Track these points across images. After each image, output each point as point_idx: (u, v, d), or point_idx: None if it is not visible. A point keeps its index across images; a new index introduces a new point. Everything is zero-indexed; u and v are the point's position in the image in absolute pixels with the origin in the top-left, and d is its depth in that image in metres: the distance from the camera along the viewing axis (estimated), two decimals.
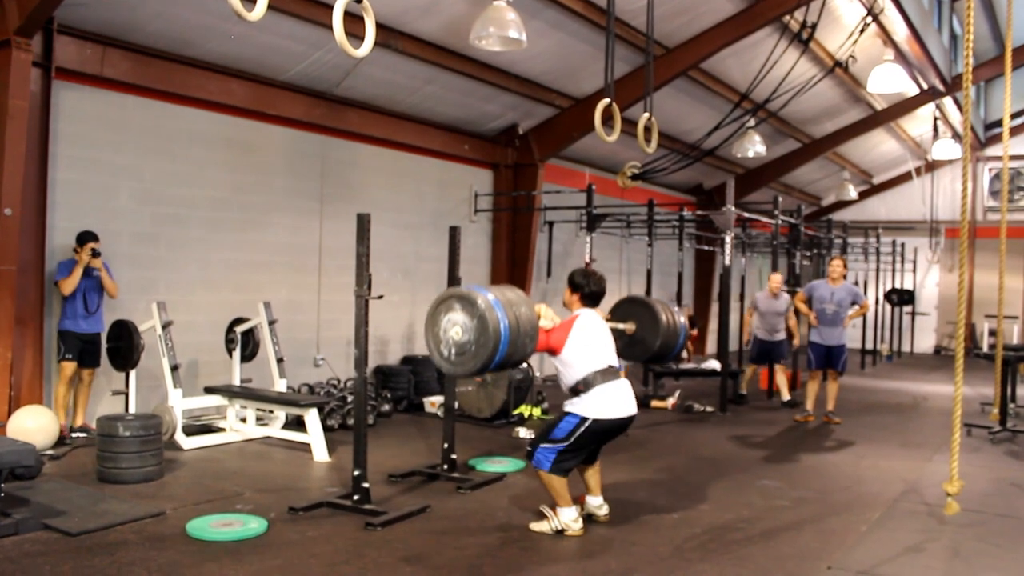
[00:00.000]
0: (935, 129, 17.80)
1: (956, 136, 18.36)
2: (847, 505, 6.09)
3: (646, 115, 8.15)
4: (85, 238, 7.31)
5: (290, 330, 8.98)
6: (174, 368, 7.39)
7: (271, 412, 8.05)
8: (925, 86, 15.51)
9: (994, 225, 19.90)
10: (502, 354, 4.62)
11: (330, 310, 9.96)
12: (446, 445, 6.61)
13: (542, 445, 5.14)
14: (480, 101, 11.15)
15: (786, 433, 9.16)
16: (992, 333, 16.95)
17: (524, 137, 12.35)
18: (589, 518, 5.37)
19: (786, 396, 11.01)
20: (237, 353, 8.34)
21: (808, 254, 16.32)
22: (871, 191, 22.67)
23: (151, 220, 8.28)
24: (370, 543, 4.91)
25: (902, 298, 18.78)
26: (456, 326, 4.67)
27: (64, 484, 5.93)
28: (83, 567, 4.37)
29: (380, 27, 6.80)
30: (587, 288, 5.37)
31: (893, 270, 19.04)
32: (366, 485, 5.54)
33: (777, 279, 11.16)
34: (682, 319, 6.07)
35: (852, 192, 20.67)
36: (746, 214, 13.27)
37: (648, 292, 12.87)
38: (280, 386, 8.14)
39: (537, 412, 9.42)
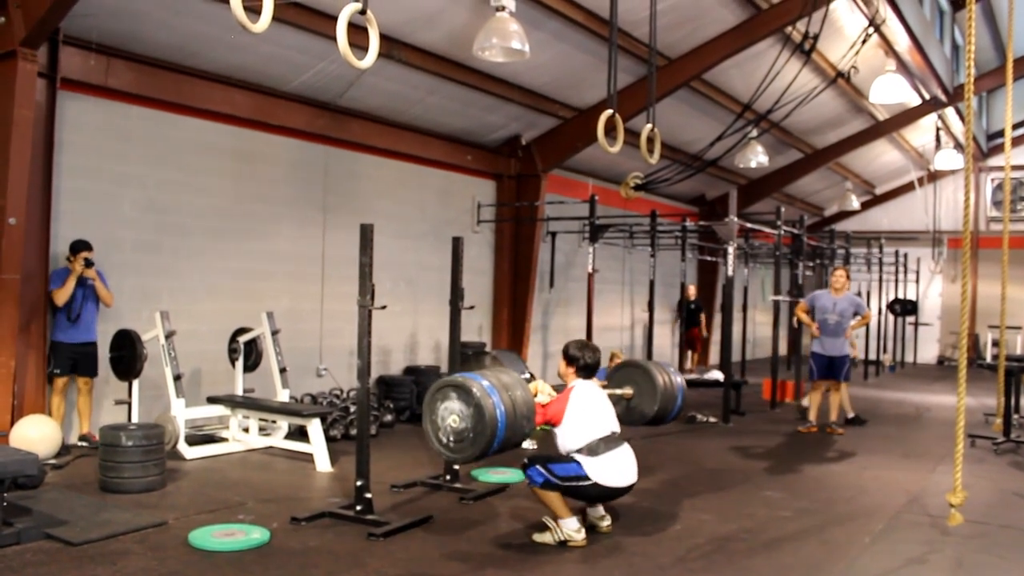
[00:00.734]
0: (937, 139, 17.82)
1: (958, 146, 18.38)
2: (850, 516, 6.07)
3: (649, 126, 8.18)
4: (78, 247, 7.28)
5: (293, 340, 8.99)
6: (177, 378, 7.39)
7: (274, 422, 8.05)
8: (927, 96, 15.53)
9: (997, 235, 19.81)
10: (500, 439, 4.68)
11: (333, 320, 9.97)
12: None
13: (539, 467, 5.15)
14: (483, 112, 11.18)
15: (789, 444, 9.14)
16: (995, 343, 16.91)
17: (527, 148, 12.38)
18: (591, 529, 5.36)
19: (850, 412, 10.48)
20: (240, 363, 8.34)
21: (811, 264, 16.33)
22: (873, 201, 22.68)
23: (154, 229, 8.30)
24: (372, 553, 4.90)
25: (905, 308, 18.74)
26: (453, 414, 4.72)
27: (66, 493, 5.93)
28: None
29: (383, 38, 6.82)
30: (582, 361, 5.40)
31: (896, 280, 19.02)
32: (368, 495, 5.54)
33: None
34: (679, 379, 6.10)
35: (855, 202, 20.67)
36: (749, 225, 13.28)
37: (651, 301, 12.90)
38: (283, 396, 8.14)
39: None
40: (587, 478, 5.11)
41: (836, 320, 9.64)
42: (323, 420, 7.75)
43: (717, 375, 12.47)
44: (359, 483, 5.54)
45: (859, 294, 14.93)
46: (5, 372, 6.77)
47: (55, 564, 4.55)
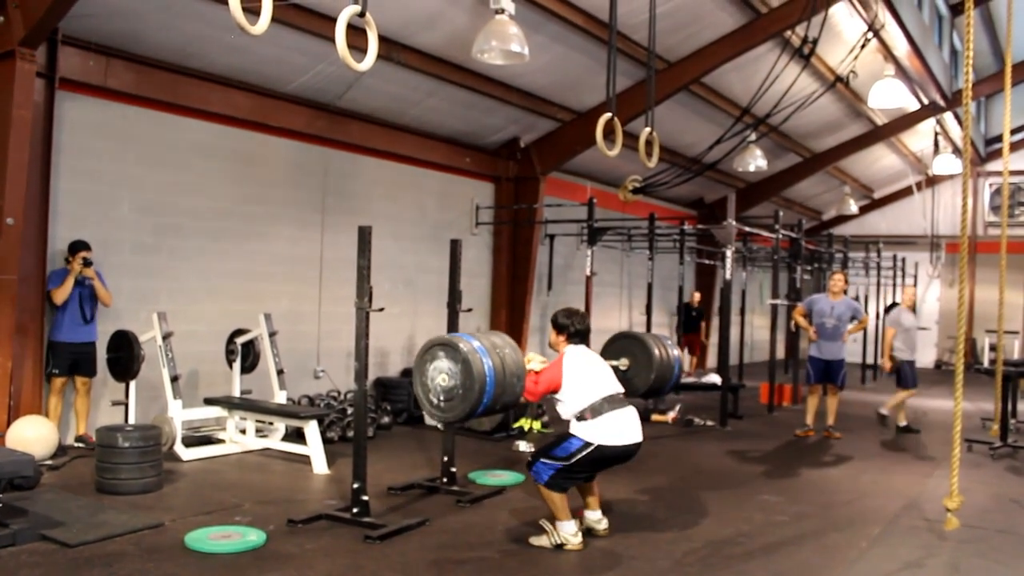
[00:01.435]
0: (936, 144, 17.85)
1: (956, 151, 18.41)
2: (847, 520, 6.07)
3: (647, 129, 8.18)
4: (77, 247, 7.27)
5: (290, 341, 8.98)
6: (174, 379, 7.39)
7: (271, 424, 8.04)
8: (926, 101, 15.57)
9: (995, 240, 19.91)
10: (490, 396, 4.71)
11: (330, 321, 9.96)
12: (446, 458, 6.60)
13: (542, 459, 5.14)
14: (482, 114, 11.19)
15: (786, 448, 9.14)
16: (993, 348, 16.93)
17: (526, 150, 12.38)
18: (588, 532, 5.35)
19: (902, 421, 10.29)
20: (237, 364, 8.33)
21: (809, 268, 16.33)
22: (872, 206, 22.71)
23: (153, 230, 8.29)
24: (369, 556, 4.90)
25: None
26: (442, 373, 4.79)
27: (62, 495, 5.92)
28: None
29: (382, 40, 6.83)
30: (572, 327, 5.33)
31: (894, 284, 19.03)
32: (365, 498, 5.53)
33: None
34: (675, 352, 6.08)
35: (853, 207, 20.70)
36: (747, 228, 13.29)
37: (649, 304, 12.88)
38: (280, 398, 8.13)
39: (537, 425, 9.40)
40: (589, 444, 5.03)
41: (834, 324, 9.64)
42: (320, 422, 7.75)
43: (715, 378, 12.49)
44: (356, 485, 5.53)
45: (857, 298, 14.96)
46: (1, 372, 6.77)
47: (51, 566, 4.53)
